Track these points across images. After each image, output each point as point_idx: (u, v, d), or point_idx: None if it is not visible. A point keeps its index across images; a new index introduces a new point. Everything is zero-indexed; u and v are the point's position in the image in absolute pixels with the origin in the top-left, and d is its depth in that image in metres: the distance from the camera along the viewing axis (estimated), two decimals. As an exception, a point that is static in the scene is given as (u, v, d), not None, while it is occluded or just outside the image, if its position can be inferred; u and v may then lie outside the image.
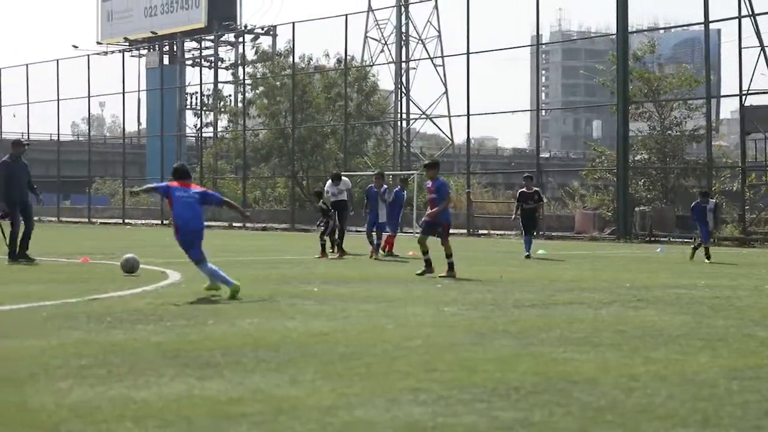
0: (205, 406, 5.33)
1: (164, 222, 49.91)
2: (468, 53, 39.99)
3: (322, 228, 20.78)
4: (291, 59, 49.49)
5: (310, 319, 9.20)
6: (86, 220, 54.54)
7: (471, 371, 6.42)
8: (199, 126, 60.37)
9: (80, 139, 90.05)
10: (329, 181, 22.88)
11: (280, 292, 11.99)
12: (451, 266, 14.95)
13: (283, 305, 10.45)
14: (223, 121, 61.61)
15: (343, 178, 22.49)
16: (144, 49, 68.43)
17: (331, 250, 20.49)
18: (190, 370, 6.38)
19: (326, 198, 22.38)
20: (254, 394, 5.64)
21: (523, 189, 22.02)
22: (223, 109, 60.39)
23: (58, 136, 60.26)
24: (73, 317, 9.13)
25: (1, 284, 12.90)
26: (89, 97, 56.18)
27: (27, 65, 58.12)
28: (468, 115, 40.58)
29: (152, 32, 67.62)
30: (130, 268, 14.48)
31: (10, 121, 61.81)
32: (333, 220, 20.59)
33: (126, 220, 52.79)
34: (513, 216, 22.37)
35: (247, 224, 43.69)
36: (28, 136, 60.73)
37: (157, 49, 67.88)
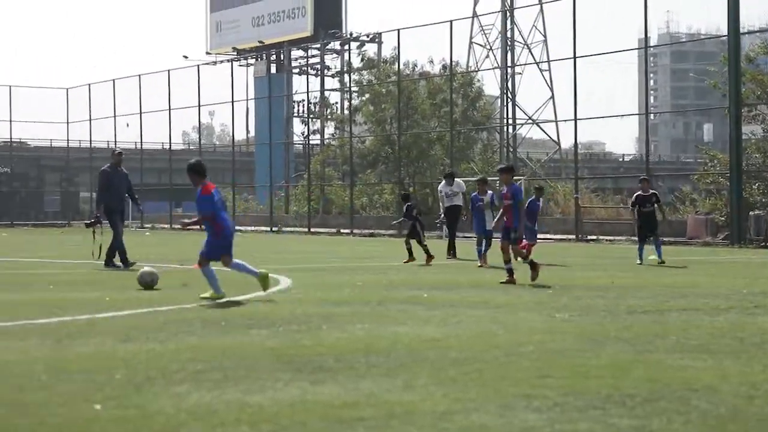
0: (319, 410, 5.37)
1: (273, 229, 50.55)
2: (575, 57, 39.57)
3: (406, 231, 20.56)
4: (396, 66, 49.67)
5: (421, 325, 9.21)
6: (197, 227, 55.47)
7: (584, 377, 6.34)
8: (306, 133, 60.96)
9: (191, 147, 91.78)
10: (443, 182, 22.86)
11: (390, 298, 12.02)
12: (510, 272, 14.68)
13: (393, 311, 10.48)
14: (329, 129, 62.15)
15: (456, 179, 22.31)
16: (252, 58, 69.42)
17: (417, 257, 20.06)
18: (303, 374, 6.44)
19: (440, 197, 22.29)
20: (368, 399, 5.66)
21: (639, 192, 21.50)
22: (329, 117, 60.90)
23: (170, 145, 61.48)
24: (189, 322, 9.30)
25: (119, 290, 13.20)
26: (199, 106, 57.22)
27: (140, 76, 59.47)
28: (575, 119, 40.15)
29: (260, 42, 68.52)
30: (147, 281, 13.38)
31: (124, 131, 63.27)
32: (416, 223, 20.25)
33: (236, 227, 53.46)
34: (635, 220, 21.59)
35: (354, 230, 43.99)
36: (141, 145, 62.20)
37: (264, 58, 68.80)
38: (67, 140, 66.89)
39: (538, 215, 22.24)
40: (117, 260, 18.33)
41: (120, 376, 6.33)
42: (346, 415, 5.25)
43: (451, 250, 22.34)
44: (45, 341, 7.92)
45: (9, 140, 65.29)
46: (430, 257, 19.70)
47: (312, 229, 48.55)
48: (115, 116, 61.75)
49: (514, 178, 15.83)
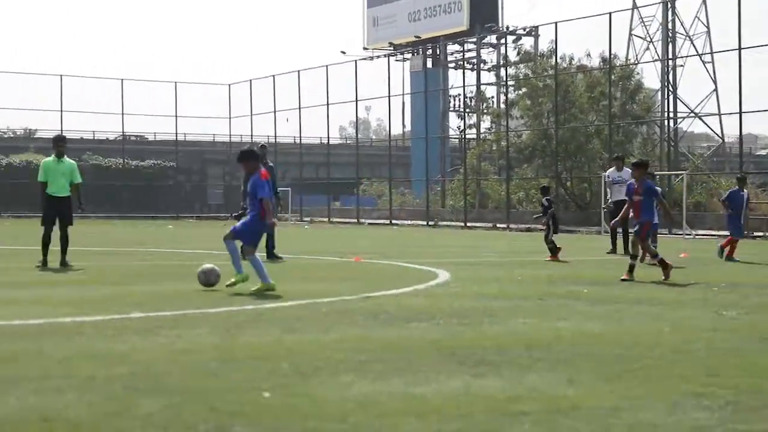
0: (483, 403, 5.36)
1: (429, 223, 50.72)
2: (740, 48, 38.37)
3: (545, 230, 19.72)
4: (553, 59, 49.14)
5: (583, 320, 9.09)
6: (355, 220, 56.17)
7: (758, 377, 6.15)
8: (462, 128, 60.98)
9: (347, 141, 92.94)
10: (611, 168, 22.24)
11: (550, 292, 11.91)
12: (630, 268, 14.16)
13: (553, 306, 10.38)
14: (485, 123, 62.00)
15: (624, 168, 21.23)
16: (408, 53, 69.83)
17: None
18: (465, 367, 6.44)
19: (607, 183, 21.57)
20: (531, 393, 5.63)
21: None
22: (485, 111, 60.71)
23: (328, 140, 62.41)
24: (350, 314, 9.42)
25: (283, 281, 13.46)
26: (356, 101, 57.89)
27: (298, 72, 60.56)
28: (740, 112, 38.93)
29: (416, 36, 68.85)
30: (206, 280, 12.12)
31: (283, 125, 64.56)
32: (550, 219, 19.53)
33: (393, 221, 53.97)
34: None
35: (511, 225, 43.78)
36: (300, 139, 63.35)
37: (420, 52, 69.11)
38: (229, 135, 68.71)
39: (744, 208, 21.06)
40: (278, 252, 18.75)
41: (286, 365, 6.46)
42: (510, 408, 5.23)
43: (615, 246, 21.49)
44: (214, 330, 8.15)
45: (174, 135, 67.48)
46: (556, 251, 19.00)
47: (468, 224, 48.52)
48: (275, 111, 63.07)
49: (649, 172, 15.35)
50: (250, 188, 11.99)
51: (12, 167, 63.16)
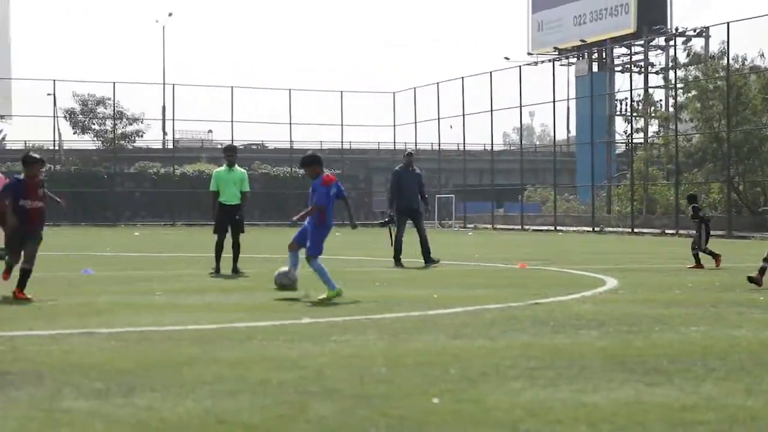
0: (657, 412, 5.25)
1: (594, 229, 49.97)
2: None
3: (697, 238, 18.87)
4: (725, 60, 47.71)
5: (760, 328, 8.79)
6: (519, 227, 55.81)
7: None
8: (629, 132, 59.83)
9: (511, 148, 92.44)
10: None
11: (723, 299, 11.57)
12: (761, 271, 13.33)
13: (728, 313, 10.08)
14: (653, 127, 60.66)
15: None
16: (573, 57, 69.01)
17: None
18: (637, 375, 6.32)
19: None
20: (708, 402, 5.47)
21: None
22: (653, 115, 59.40)
23: (492, 146, 62.24)
24: (518, 320, 9.36)
25: (444, 287, 13.49)
26: (521, 106, 57.56)
27: (462, 78, 60.61)
28: None
29: (581, 40, 67.96)
30: (282, 284, 12.51)
31: (447, 132, 64.69)
32: (702, 225, 18.73)
33: (558, 227, 53.40)
34: None
35: (680, 231, 42.69)
36: (464, 146, 63.37)
37: (586, 56, 68.20)
38: (394, 142, 69.26)
39: None
40: (435, 256, 18.85)
41: (454, 371, 6.47)
42: (685, 418, 5.09)
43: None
44: (382, 336, 8.22)
45: (340, 143, 68.49)
46: (713, 258, 18.36)
47: (635, 230, 47.57)
48: (438, 118, 63.28)
49: None
50: (312, 193, 12.20)
51: (185, 177, 65.30)
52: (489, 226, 57.55)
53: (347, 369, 6.54)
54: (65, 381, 6.06)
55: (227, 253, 16.46)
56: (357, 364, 6.75)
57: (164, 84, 69.25)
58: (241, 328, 8.71)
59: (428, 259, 18.76)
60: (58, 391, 5.77)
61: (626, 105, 63.09)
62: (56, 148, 65.24)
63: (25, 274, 11.31)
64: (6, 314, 9.69)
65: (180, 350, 7.39)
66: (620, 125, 65.22)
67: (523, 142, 68.01)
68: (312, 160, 12.44)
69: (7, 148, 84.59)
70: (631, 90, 59.26)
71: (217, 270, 16.24)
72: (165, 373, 6.38)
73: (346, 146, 71.58)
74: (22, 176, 11.79)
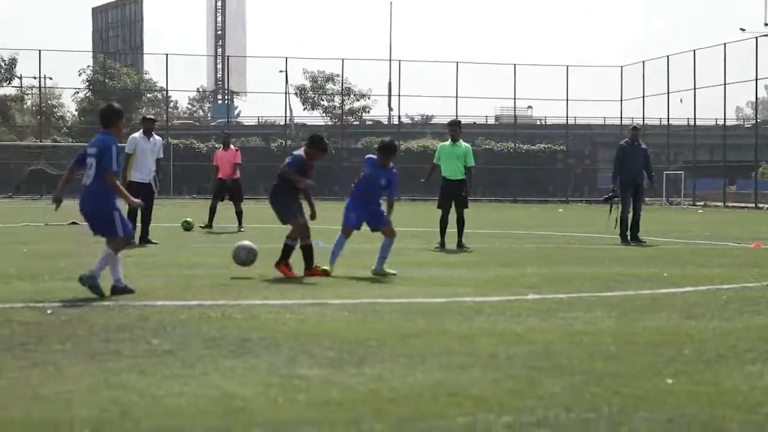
0: None
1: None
2: None
3: None
4: None
5: None
6: (752, 205, 53.57)
7: None
8: None
9: (744, 123, 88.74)
10: None
11: None
12: None
13: None
14: None
15: None
16: (814, 27, 65.47)
17: None
18: None
19: None
20: None
21: None
22: None
23: (724, 121, 59.99)
24: (754, 302, 9.00)
25: (673, 266, 13.10)
26: (756, 79, 55.14)
27: (694, 51, 58.62)
28: None
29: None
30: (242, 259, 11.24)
31: (677, 107, 62.71)
32: None
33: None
34: None
35: None
36: (695, 121, 61.33)
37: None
38: (621, 117, 67.76)
39: None
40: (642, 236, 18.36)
41: (688, 352, 6.28)
42: None
43: None
44: (610, 313, 8.07)
45: (565, 119, 67.62)
46: None
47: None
48: (668, 92, 61.43)
49: None
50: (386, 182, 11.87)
51: (410, 152, 66.12)
52: (720, 203, 55.56)
53: (576, 346, 6.46)
54: (300, 349, 6.25)
55: (452, 228, 16.56)
56: (585, 341, 6.66)
57: (390, 60, 70.25)
58: (468, 302, 8.73)
59: (634, 237, 18.25)
60: (294, 358, 5.96)
61: None
62: (287, 123, 67.30)
63: (307, 251, 11.25)
64: (242, 285, 10.08)
65: (409, 322, 7.48)
66: None
67: (758, 116, 65.08)
68: (391, 149, 12.13)
69: (243, 123, 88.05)
70: None
71: (442, 244, 16.36)
72: (394, 344, 6.48)
73: (571, 122, 70.54)
74: (302, 153, 12.18)
